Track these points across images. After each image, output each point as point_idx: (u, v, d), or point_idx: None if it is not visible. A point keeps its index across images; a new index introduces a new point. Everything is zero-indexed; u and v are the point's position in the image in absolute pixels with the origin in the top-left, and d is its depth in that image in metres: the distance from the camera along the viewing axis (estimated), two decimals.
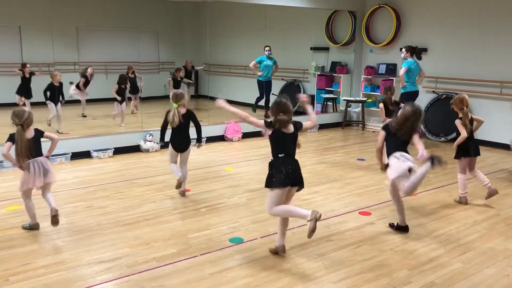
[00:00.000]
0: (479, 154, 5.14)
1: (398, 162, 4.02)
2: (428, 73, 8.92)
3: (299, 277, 3.45)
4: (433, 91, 8.96)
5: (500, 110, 7.99)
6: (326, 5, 9.71)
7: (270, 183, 3.61)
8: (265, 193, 4.99)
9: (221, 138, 8.49)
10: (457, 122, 5.04)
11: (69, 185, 5.72)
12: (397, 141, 4.16)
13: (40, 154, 4.23)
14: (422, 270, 3.59)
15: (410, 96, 7.94)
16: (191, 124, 5.20)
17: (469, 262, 3.75)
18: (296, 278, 3.44)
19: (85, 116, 9.73)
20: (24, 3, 9.33)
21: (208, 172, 6.35)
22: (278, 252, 3.81)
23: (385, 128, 4.30)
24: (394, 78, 9.34)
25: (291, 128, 3.66)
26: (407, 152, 4.14)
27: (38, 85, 8.58)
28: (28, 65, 8.67)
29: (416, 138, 4.15)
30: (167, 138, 5.26)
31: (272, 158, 3.68)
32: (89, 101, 9.61)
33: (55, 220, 4.16)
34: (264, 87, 10.02)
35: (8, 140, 4.15)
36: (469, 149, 5.07)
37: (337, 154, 7.58)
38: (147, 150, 7.47)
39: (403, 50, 7.78)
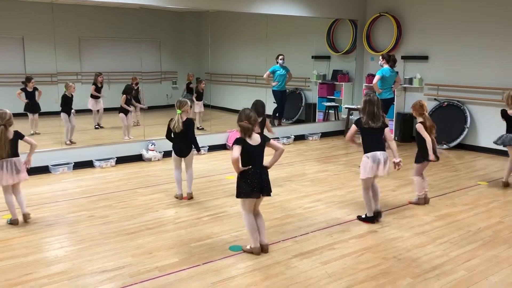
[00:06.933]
0: (438, 159, 5.29)
1: (368, 164, 4.49)
2: (429, 81, 8.96)
3: (302, 286, 3.43)
4: (435, 99, 8.97)
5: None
6: (327, 14, 9.76)
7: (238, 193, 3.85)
8: (267, 201, 5.00)
9: (223, 147, 8.50)
10: (419, 127, 5.13)
11: (71, 194, 5.73)
12: (372, 137, 4.53)
13: (16, 155, 4.57)
14: (426, 278, 3.57)
15: (384, 102, 8.00)
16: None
17: (473, 269, 3.72)
18: (299, 287, 3.42)
19: (97, 128, 9.59)
20: (27, 14, 9.40)
21: (210, 181, 6.35)
22: None
23: (356, 122, 4.63)
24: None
25: (257, 139, 3.78)
26: (382, 148, 4.54)
27: (45, 96, 8.67)
28: (33, 80, 8.50)
29: (388, 134, 4.55)
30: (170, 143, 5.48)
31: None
32: (90, 111, 9.59)
33: (25, 218, 4.68)
34: (281, 97, 9.88)
35: None
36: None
37: (339, 162, 7.57)
38: (149, 159, 7.48)
39: (380, 57, 8.07)
